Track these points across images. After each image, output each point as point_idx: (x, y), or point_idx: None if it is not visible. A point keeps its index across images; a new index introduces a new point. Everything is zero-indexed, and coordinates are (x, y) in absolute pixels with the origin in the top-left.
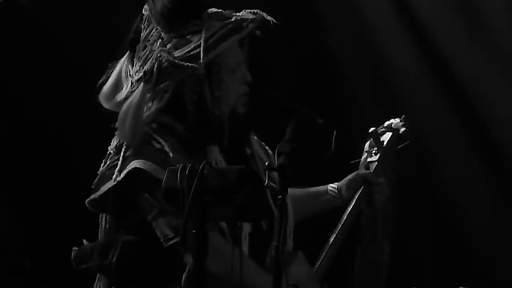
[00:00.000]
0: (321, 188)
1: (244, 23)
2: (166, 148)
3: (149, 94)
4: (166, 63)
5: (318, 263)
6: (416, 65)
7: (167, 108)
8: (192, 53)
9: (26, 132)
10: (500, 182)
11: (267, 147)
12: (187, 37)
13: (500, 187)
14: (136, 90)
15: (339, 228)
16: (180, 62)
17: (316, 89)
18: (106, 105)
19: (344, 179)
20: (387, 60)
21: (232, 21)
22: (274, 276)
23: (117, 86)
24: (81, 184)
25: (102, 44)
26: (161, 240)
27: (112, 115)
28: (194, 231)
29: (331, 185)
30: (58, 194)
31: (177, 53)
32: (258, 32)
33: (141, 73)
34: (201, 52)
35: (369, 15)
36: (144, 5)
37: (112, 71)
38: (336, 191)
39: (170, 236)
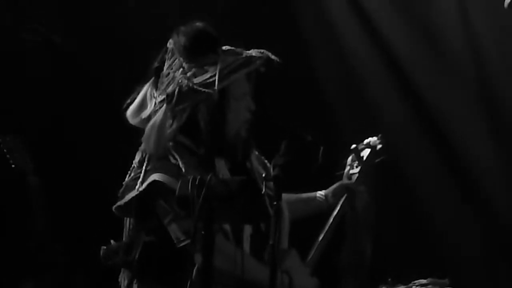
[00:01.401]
0: (311, 194)
1: (252, 59)
2: (181, 164)
3: (170, 114)
4: (186, 88)
5: (309, 258)
6: (392, 91)
7: (184, 127)
8: (208, 81)
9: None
10: (460, 186)
11: (265, 161)
12: (204, 67)
13: (459, 189)
14: (160, 110)
15: (326, 229)
16: (197, 88)
17: (308, 112)
18: (132, 121)
19: (330, 188)
20: (368, 88)
21: (242, 57)
22: (270, 270)
23: (142, 106)
24: (107, 194)
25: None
26: (175, 242)
27: (131, 134)
28: (202, 232)
29: (319, 192)
30: (89, 202)
31: (195, 80)
32: (263, 68)
33: (164, 96)
34: (216, 81)
35: (350, 44)
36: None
37: (138, 93)
38: (323, 198)
39: (182, 239)
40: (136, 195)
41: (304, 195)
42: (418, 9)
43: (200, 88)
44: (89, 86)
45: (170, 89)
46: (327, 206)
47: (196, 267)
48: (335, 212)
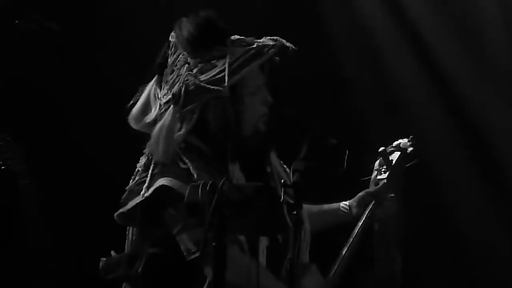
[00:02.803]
0: (334, 205)
1: (265, 49)
2: (191, 168)
3: (178, 116)
4: (192, 86)
5: (331, 274)
6: (424, 89)
7: (195, 129)
8: (217, 76)
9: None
10: (496, 194)
11: (285, 166)
12: (212, 62)
13: (496, 199)
14: (167, 113)
15: (350, 242)
16: (206, 85)
17: (332, 111)
18: (135, 126)
19: (355, 197)
20: (397, 85)
21: (254, 47)
22: (289, 287)
23: (146, 108)
24: (108, 200)
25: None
26: (184, 254)
27: (137, 136)
28: (214, 243)
29: (343, 203)
30: (88, 209)
31: (202, 77)
32: (277, 58)
33: (169, 96)
34: (226, 76)
35: (379, 39)
36: (171, 33)
37: (141, 94)
38: (348, 208)
39: (193, 250)
40: (141, 201)
41: (326, 206)
42: (457, 8)
43: (209, 86)
44: (88, 82)
45: (175, 88)
46: (351, 217)
47: (207, 282)
48: (360, 223)
